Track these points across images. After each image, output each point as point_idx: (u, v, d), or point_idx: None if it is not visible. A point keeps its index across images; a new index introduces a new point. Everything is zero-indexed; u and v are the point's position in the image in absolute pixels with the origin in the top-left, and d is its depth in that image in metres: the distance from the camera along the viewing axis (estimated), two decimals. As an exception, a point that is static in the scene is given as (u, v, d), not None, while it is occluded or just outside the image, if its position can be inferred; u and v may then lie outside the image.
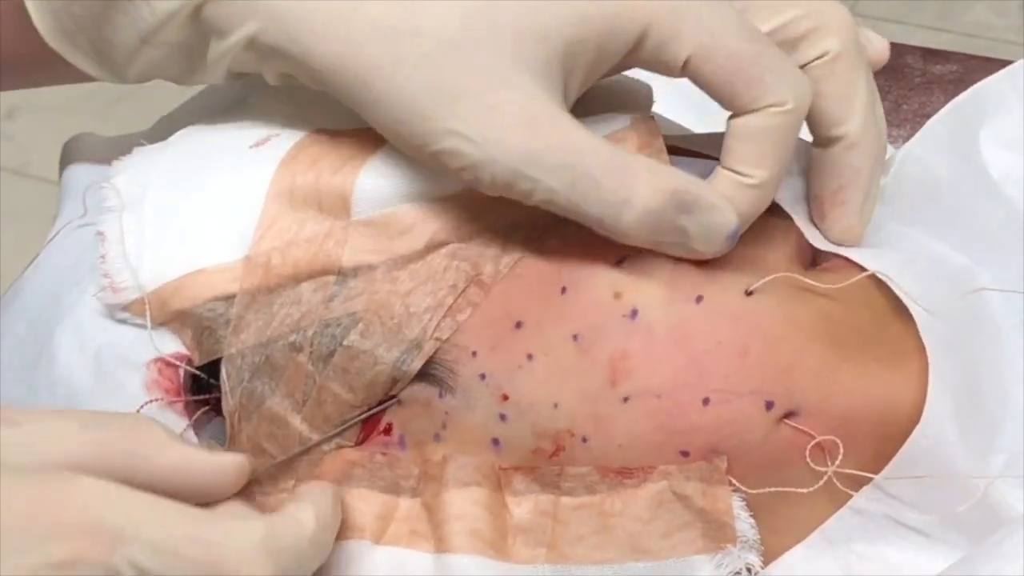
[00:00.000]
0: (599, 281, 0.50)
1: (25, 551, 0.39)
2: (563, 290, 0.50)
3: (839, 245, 0.53)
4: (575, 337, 0.49)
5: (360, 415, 0.51)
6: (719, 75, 0.48)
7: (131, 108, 1.41)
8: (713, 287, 0.50)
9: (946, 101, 0.58)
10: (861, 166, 0.52)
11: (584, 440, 0.49)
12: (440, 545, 0.48)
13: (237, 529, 0.43)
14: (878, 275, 0.50)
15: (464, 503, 0.49)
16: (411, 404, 0.51)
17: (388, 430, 0.51)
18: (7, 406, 0.44)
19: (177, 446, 0.45)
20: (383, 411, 0.51)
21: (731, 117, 0.50)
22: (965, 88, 0.57)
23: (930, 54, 0.77)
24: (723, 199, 0.49)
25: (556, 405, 0.49)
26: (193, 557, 0.41)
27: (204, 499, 0.46)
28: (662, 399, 0.48)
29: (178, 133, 0.58)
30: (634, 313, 0.49)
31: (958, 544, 0.50)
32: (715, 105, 0.50)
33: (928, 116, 0.57)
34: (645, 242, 0.49)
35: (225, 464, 0.46)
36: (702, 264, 0.50)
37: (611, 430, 0.49)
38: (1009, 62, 0.57)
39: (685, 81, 0.50)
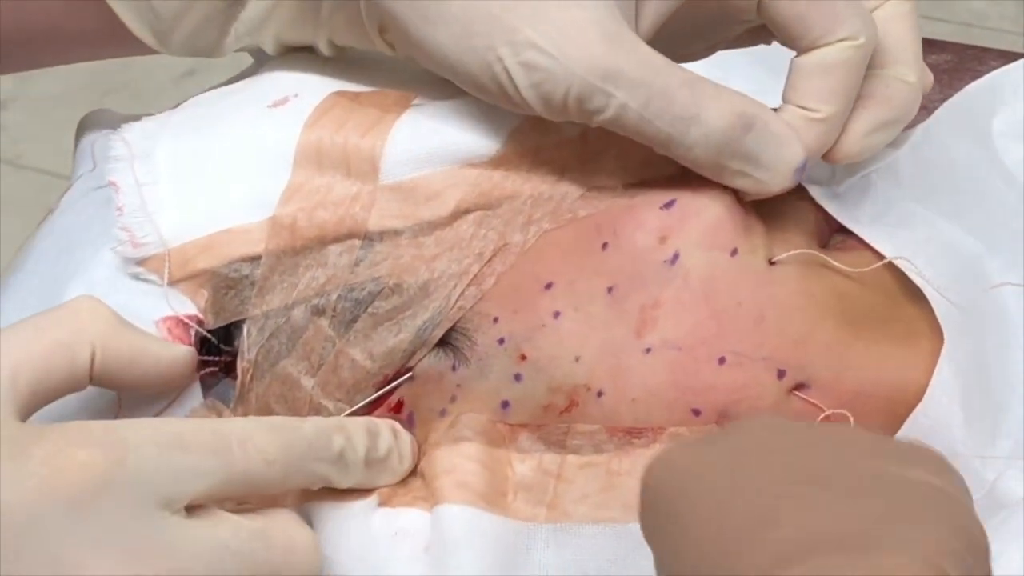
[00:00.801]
0: (646, 225, 0.51)
1: None
2: (604, 246, 0.51)
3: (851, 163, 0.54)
4: (610, 290, 0.50)
5: (376, 394, 0.51)
6: (795, 7, 0.49)
7: (125, 100, 1.41)
8: (747, 244, 0.51)
9: (940, 92, 0.58)
10: (912, 106, 0.53)
11: (599, 395, 0.49)
12: (432, 499, 0.48)
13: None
14: (896, 263, 0.51)
15: (454, 457, 0.49)
16: (423, 380, 0.51)
17: (399, 407, 0.51)
18: None
19: (129, 330, 0.47)
20: (396, 387, 0.51)
21: (797, 56, 0.51)
22: (959, 78, 0.57)
23: (924, 43, 0.77)
24: (790, 131, 0.50)
25: (578, 359, 0.50)
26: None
27: (158, 389, 0.47)
28: (681, 352, 0.49)
29: (188, 100, 0.58)
30: (675, 257, 0.50)
31: None
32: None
33: (923, 108, 0.57)
34: (711, 164, 0.50)
35: (179, 352, 0.48)
36: (742, 219, 0.51)
37: (627, 383, 0.49)
38: (1004, 51, 0.57)
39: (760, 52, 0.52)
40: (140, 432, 0.44)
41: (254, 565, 0.44)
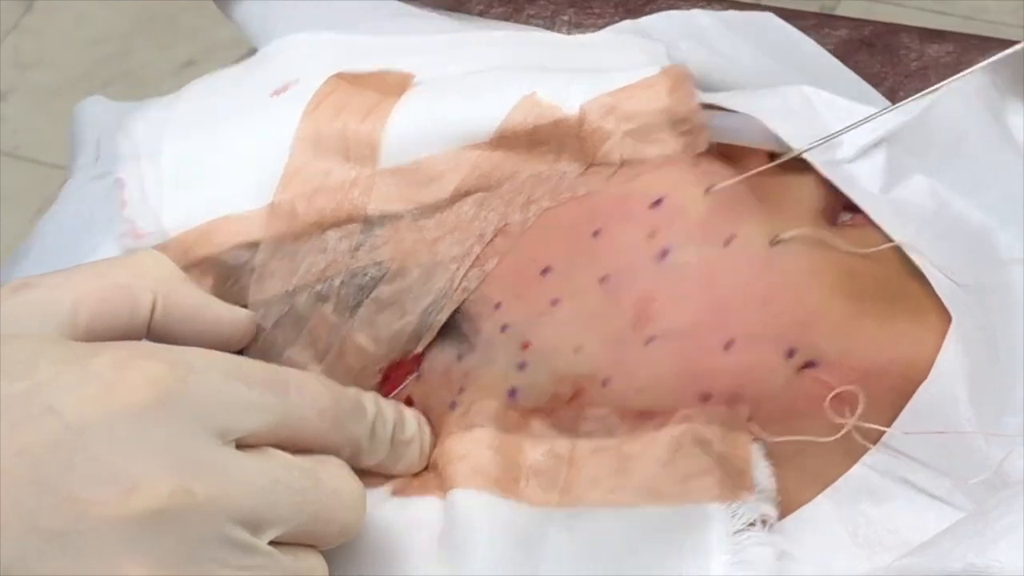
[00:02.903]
0: (634, 221, 0.50)
1: None
2: (595, 233, 0.51)
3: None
4: (603, 280, 0.50)
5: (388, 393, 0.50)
6: None
7: (122, 91, 1.41)
8: (742, 230, 0.50)
9: (943, 83, 0.57)
10: None
11: (604, 384, 0.49)
12: (446, 484, 0.48)
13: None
14: (901, 246, 0.51)
15: (467, 444, 0.49)
16: (429, 375, 0.51)
17: (408, 404, 0.51)
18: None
19: (193, 288, 0.47)
20: (405, 385, 0.51)
21: None
22: (961, 70, 0.56)
23: (926, 34, 0.77)
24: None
25: (578, 349, 0.49)
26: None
27: (216, 348, 0.46)
28: (685, 340, 0.49)
29: (190, 85, 0.58)
30: (664, 253, 0.50)
31: (965, 507, 0.50)
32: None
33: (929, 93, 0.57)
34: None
35: (240, 315, 0.48)
36: (733, 208, 0.51)
37: (632, 373, 0.49)
38: (1006, 41, 0.57)
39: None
40: (206, 358, 0.43)
41: (303, 502, 0.43)
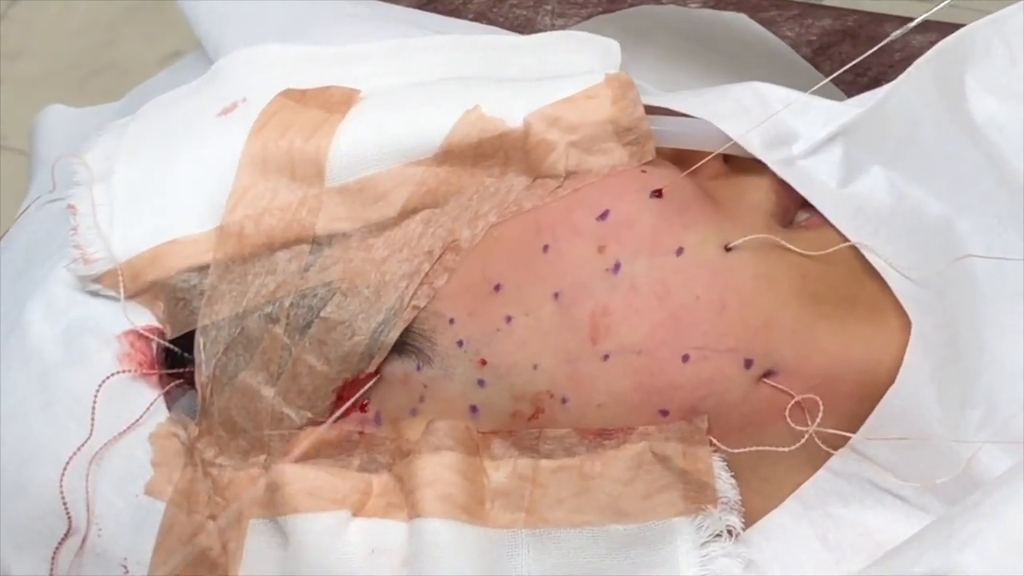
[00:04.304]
0: (582, 235, 0.50)
1: None
2: (545, 248, 0.50)
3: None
4: (556, 296, 0.49)
5: (347, 404, 0.50)
6: None
7: (108, 81, 1.41)
8: (693, 239, 0.50)
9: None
10: None
11: (563, 401, 0.49)
12: (412, 511, 0.48)
13: None
14: (858, 247, 0.50)
15: (435, 468, 0.48)
16: (389, 380, 0.50)
17: (364, 407, 0.51)
18: None
19: None
20: (364, 391, 0.50)
21: None
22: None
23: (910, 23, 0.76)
24: None
25: (535, 366, 0.49)
26: None
27: None
28: (642, 356, 0.49)
29: (144, 106, 0.57)
30: (617, 267, 0.49)
31: (933, 509, 0.50)
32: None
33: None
34: None
35: None
36: (682, 216, 0.50)
37: (591, 390, 0.49)
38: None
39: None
40: None
41: None
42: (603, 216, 0.50)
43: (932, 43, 0.76)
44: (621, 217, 0.50)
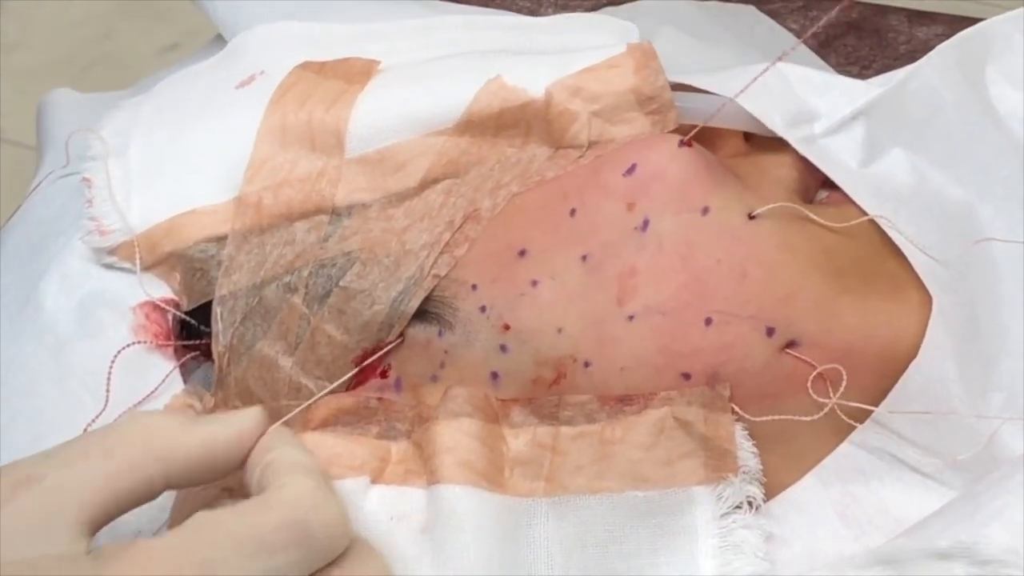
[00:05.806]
0: (611, 193, 0.50)
1: None
2: (572, 212, 0.50)
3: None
4: (584, 258, 0.49)
5: (363, 364, 0.50)
6: None
7: (105, 73, 1.40)
8: (718, 201, 0.50)
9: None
10: None
11: (586, 365, 0.49)
12: (431, 477, 0.47)
13: None
14: (878, 221, 0.50)
15: (455, 434, 0.48)
16: (410, 345, 0.50)
17: (385, 372, 0.51)
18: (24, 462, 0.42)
19: (195, 431, 0.42)
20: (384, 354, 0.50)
21: None
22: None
23: (915, 15, 0.76)
24: None
25: (560, 330, 0.49)
26: None
27: (237, 465, 0.43)
28: (666, 317, 0.48)
29: (160, 83, 0.57)
30: (645, 224, 0.49)
31: (953, 485, 0.50)
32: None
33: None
34: None
35: (245, 425, 0.43)
36: (711, 172, 0.50)
37: (614, 353, 0.49)
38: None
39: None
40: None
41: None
42: (630, 171, 0.50)
43: (938, 35, 0.76)
44: (650, 168, 0.50)
